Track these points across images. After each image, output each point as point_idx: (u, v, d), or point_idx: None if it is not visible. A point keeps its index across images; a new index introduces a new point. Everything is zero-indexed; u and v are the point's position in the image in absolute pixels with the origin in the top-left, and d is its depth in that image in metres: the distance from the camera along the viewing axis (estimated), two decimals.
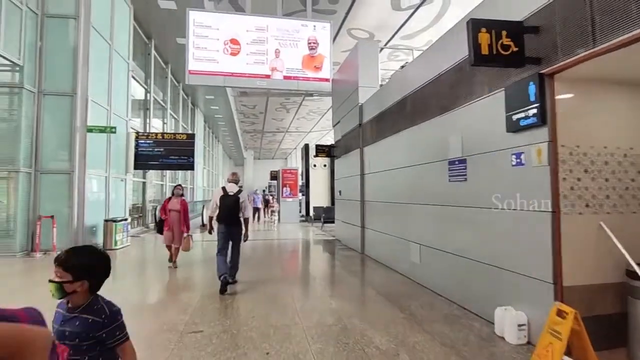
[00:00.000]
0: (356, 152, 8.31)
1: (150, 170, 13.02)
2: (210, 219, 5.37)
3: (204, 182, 24.16)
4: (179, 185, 6.68)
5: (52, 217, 7.51)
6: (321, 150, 11.08)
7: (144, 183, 12.93)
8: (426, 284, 5.12)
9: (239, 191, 5.17)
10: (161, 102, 14.35)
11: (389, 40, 13.69)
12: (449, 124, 4.56)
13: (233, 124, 23.50)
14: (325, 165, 17.34)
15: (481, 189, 3.91)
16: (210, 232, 5.41)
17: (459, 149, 4.28)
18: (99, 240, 8.35)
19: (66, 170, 7.82)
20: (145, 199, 12.87)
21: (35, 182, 7.59)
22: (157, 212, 8.81)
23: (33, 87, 7.51)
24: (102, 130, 8.05)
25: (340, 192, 10.14)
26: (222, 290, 4.73)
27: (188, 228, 6.42)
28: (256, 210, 16.92)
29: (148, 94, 12.69)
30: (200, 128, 21.23)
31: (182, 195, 6.54)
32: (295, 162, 40.31)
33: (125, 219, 8.81)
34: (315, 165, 17.24)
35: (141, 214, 12.69)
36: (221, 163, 32.68)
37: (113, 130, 8.23)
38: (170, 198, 6.53)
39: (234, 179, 5.35)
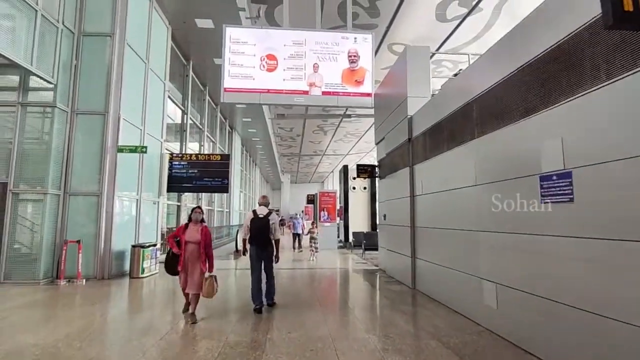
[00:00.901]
0: (405, 171, 7.31)
1: (187, 193, 12.71)
2: (244, 241, 5.35)
3: (241, 206, 23.89)
4: (198, 207, 4.86)
5: (78, 241, 7.08)
6: (363, 170, 10.14)
7: (178, 206, 12.60)
8: (508, 335, 3.94)
9: (269, 213, 5.26)
10: (198, 125, 14.23)
11: (432, 55, 12.85)
12: (540, 129, 3.52)
13: (270, 147, 23.31)
14: (365, 188, 16.32)
15: (601, 214, 2.80)
16: (244, 254, 5.41)
17: (559, 159, 3.22)
18: (126, 268, 7.84)
19: (95, 192, 7.45)
20: (180, 222, 12.50)
21: (64, 204, 7.26)
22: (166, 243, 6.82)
23: (66, 107, 7.31)
24: (133, 150, 7.68)
25: (384, 216, 9.08)
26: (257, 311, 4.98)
27: (211, 266, 4.67)
28: (296, 236, 14.98)
29: (185, 116, 12.55)
30: (238, 151, 21.11)
31: (202, 220, 4.81)
32: (332, 186, 39.60)
33: (154, 245, 8.26)
34: (354, 188, 16.26)
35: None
36: (258, 187, 32.58)
37: (144, 150, 7.84)
38: (187, 224, 4.73)
39: (264, 201, 5.47)
